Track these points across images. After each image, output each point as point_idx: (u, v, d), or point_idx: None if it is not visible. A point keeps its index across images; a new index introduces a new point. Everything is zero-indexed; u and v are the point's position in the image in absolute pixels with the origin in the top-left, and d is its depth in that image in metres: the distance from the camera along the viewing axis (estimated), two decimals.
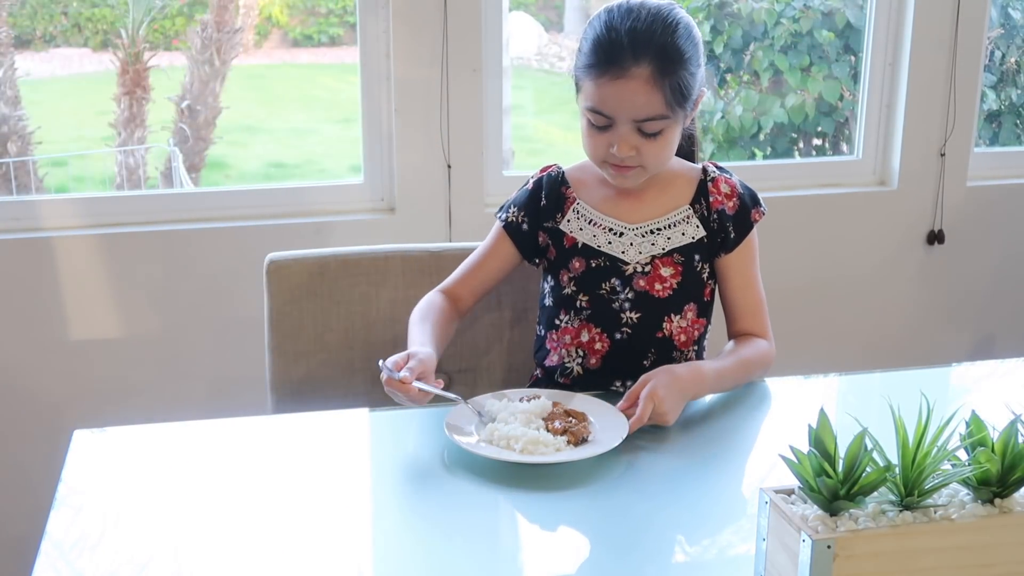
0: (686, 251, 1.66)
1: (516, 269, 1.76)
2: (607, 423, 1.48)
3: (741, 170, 2.95)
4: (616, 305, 1.66)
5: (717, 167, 1.72)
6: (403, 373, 1.46)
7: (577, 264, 1.68)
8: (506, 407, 1.50)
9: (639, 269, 1.66)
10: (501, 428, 1.44)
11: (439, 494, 1.38)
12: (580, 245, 1.68)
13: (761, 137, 3.42)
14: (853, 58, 3.23)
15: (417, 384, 1.46)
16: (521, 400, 1.53)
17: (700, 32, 1.62)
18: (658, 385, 1.50)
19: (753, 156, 3.48)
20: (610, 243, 1.67)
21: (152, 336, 2.49)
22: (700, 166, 1.72)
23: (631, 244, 1.66)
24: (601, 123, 1.58)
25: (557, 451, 1.41)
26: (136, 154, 3.48)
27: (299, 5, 4.19)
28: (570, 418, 1.47)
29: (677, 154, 1.72)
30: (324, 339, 1.81)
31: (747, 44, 3.37)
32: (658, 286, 1.66)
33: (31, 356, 2.45)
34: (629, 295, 1.66)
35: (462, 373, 1.87)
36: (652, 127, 1.56)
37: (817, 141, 3.48)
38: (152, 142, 3.53)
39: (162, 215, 2.50)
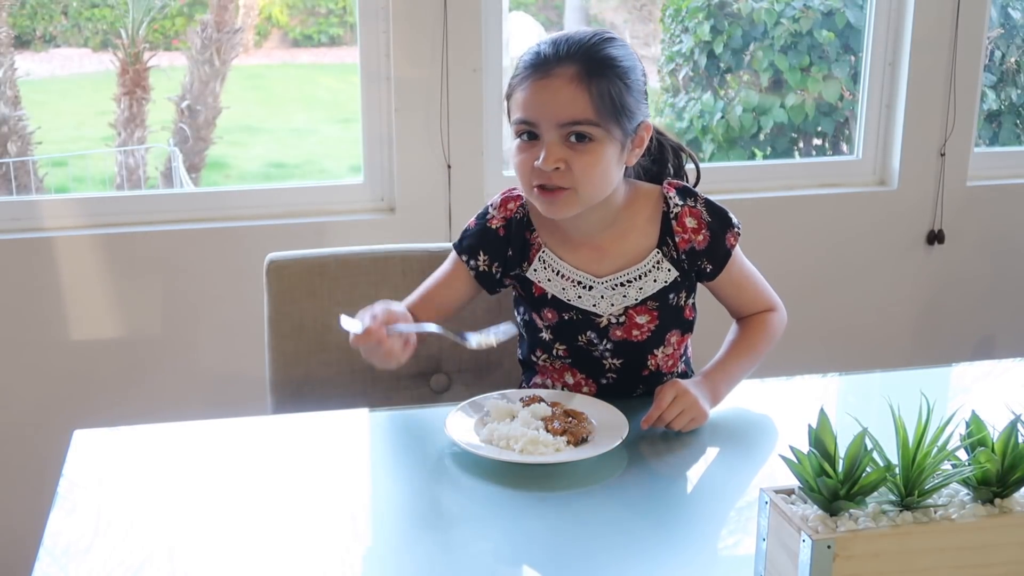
0: (659, 295, 1.59)
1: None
2: (607, 423, 1.48)
3: (741, 170, 2.97)
4: (597, 354, 1.63)
5: (680, 191, 1.61)
6: (363, 321, 1.41)
7: (550, 315, 1.62)
8: (507, 406, 1.51)
9: (613, 320, 1.60)
10: (501, 428, 1.45)
11: (439, 494, 1.38)
12: (550, 296, 1.61)
13: (761, 137, 3.42)
14: (853, 58, 3.23)
15: (395, 328, 1.43)
16: (521, 401, 1.53)
17: (647, 71, 1.55)
18: (686, 386, 1.50)
19: (753, 156, 3.48)
20: (580, 297, 1.59)
21: (152, 336, 2.49)
22: (660, 192, 1.61)
23: (602, 297, 1.59)
24: (528, 132, 1.49)
25: (557, 451, 1.41)
26: (136, 154, 3.48)
27: (299, 5, 4.20)
28: (570, 418, 1.47)
29: (644, 177, 1.65)
30: (324, 339, 1.81)
31: (747, 44, 3.37)
32: (636, 332, 1.61)
33: (31, 356, 2.45)
34: (608, 345, 1.62)
35: (461, 373, 1.87)
36: (580, 131, 1.46)
37: (817, 141, 3.48)
38: (152, 142, 3.53)
39: (162, 215, 2.50)
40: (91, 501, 1.34)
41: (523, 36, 3.39)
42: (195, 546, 1.24)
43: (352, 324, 1.44)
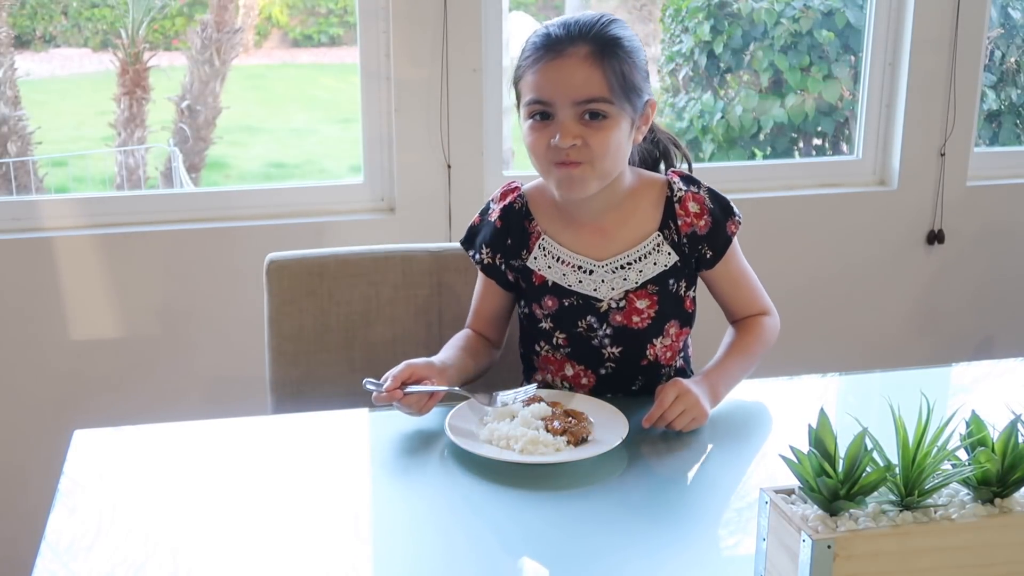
0: (659, 280, 1.61)
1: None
2: (607, 423, 1.48)
3: (741, 170, 2.97)
4: (596, 342, 1.63)
5: (684, 178, 1.64)
6: (385, 383, 1.48)
7: (550, 302, 1.63)
8: (515, 397, 1.51)
9: (613, 305, 1.61)
10: (501, 428, 1.45)
11: (439, 494, 1.38)
12: (550, 283, 1.62)
13: (761, 137, 3.42)
14: (853, 58, 3.23)
15: (411, 389, 1.48)
16: (521, 401, 1.53)
17: (647, 52, 1.60)
18: (688, 385, 1.50)
19: (753, 156, 3.49)
20: (580, 281, 1.61)
21: (152, 336, 2.49)
22: (664, 180, 1.64)
23: (602, 281, 1.60)
24: (542, 112, 1.52)
25: (557, 451, 1.41)
26: (136, 154, 3.49)
27: (299, 5, 4.20)
28: (570, 418, 1.47)
29: (647, 166, 1.69)
30: (324, 339, 1.81)
31: (747, 44, 3.38)
32: (636, 318, 1.61)
33: (31, 356, 2.45)
34: (608, 331, 1.62)
35: None
36: (594, 108, 1.49)
37: (817, 141, 3.48)
38: (152, 142, 3.53)
39: (162, 215, 2.50)
40: (92, 500, 1.34)
41: (523, 36, 3.40)
42: (196, 545, 1.24)
43: (374, 385, 1.50)
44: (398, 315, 1.83)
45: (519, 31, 3.42)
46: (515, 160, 3.14)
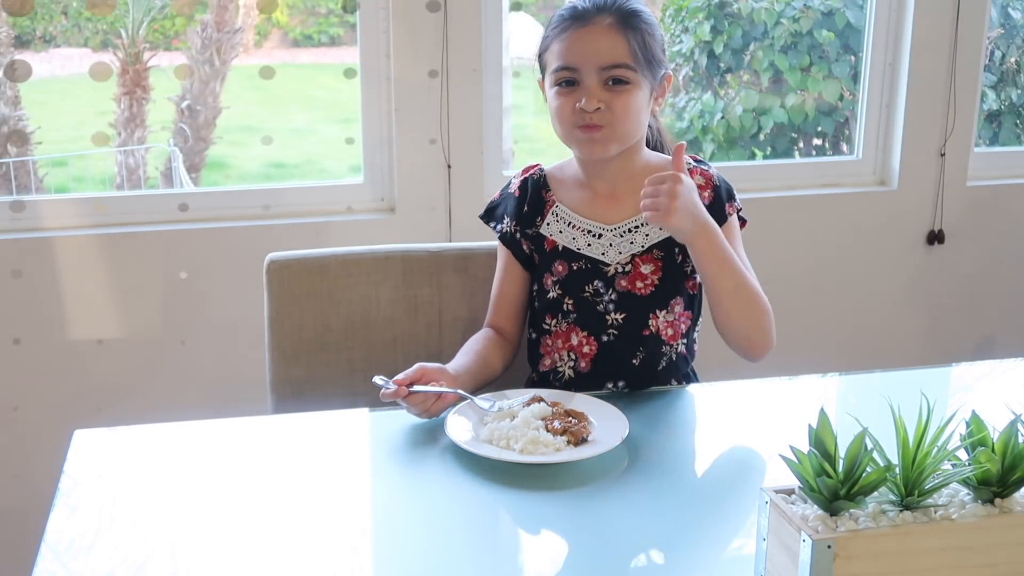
0: (665, 246, 1.67)
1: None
2: (607, 423, 1.48)
3: (741, 170, 2.98)
4: (601, 307, 1.68)
5: (695, 159, 1.72)
6: (397, 377, 1.50)
7: (560, 267, 1.69)
8: (509, 404, 1.51)
9: (620, 269, 1.67)
10: (501, 428, 1.45)
11: (439, 494, 1.38)
12: (561, 248, 1.69)
13: (761, 137, 3.42)
14: (853, 58, 3.23)
15: (417, 388, 1.50)
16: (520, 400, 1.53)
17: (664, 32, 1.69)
18: (684, 190, 1.52)
19: (753, 156, 3.48)
20: (589, 245, 1.68)
21: (152, 336, 2.49)
22: None
23: (610, 245, 1.68)
24: (568, 78, 1.61)
25: (557, 451, 1.41)
26: (136, 154, 3.48)
27: (299, 5, 4.20)
28: (570, 418, 1.48)
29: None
30: (324, 339, 1.81)
31: (747, 44, 3.37)
32: (640, 284, 1.67)
33: (31, 356, 2.45)
34: (612, 296, 1.67)
35: None
36: (618, 74, 1.59)
37: (817, 141, 3.48)
38: (152, 142, 3.53)
39: (162, 215, 2.50)
40: (93, 500, 1.34)
41: (523, 36, 3.39)
42: (197, 545, 1.24)
43: (383, 382, 1.52)
44: (398, 315, 1.83)
45: (519, 31, 3.42)
46: (515, 160, 3.13)
